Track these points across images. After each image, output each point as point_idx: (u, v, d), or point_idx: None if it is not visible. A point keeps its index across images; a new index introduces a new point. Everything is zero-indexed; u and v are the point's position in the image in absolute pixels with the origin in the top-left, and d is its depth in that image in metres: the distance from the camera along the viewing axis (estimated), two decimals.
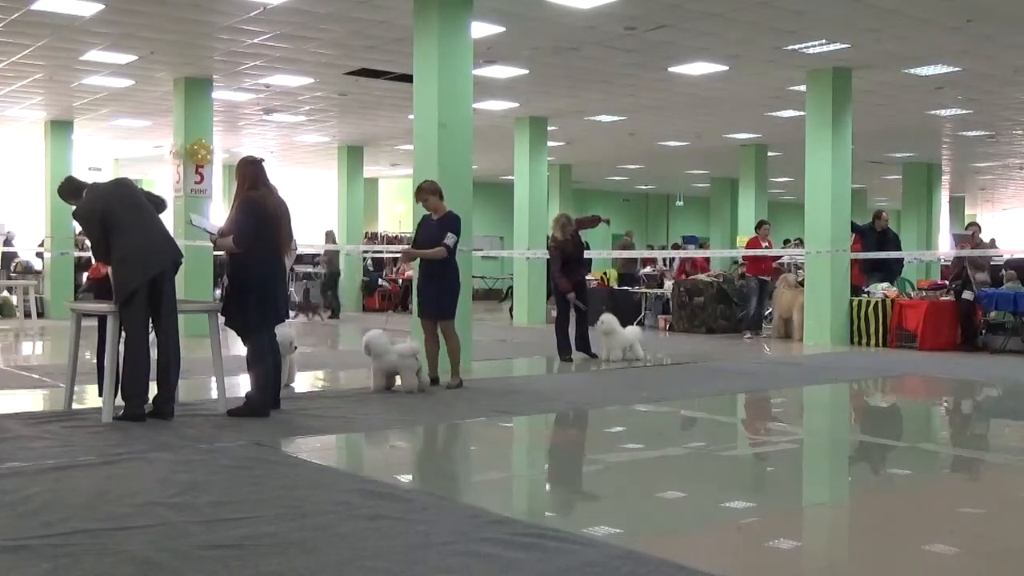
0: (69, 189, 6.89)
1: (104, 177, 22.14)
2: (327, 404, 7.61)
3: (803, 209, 14.40)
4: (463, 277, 9.97)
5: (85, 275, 16.49)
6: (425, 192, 8.61)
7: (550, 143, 19.00)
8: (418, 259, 8.67)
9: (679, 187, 32.46)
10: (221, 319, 7.15)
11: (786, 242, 21.73)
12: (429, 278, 8.57)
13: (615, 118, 18.20)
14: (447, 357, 8.63)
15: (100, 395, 7.15)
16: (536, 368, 11.28)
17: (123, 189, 6.84)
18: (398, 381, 8.28)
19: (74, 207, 6.76)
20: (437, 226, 8.50)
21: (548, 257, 11.45)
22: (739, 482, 5.60)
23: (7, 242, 21.27)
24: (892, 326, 13.37)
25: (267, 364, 7.00)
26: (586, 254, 12.17)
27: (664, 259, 20.30)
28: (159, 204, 7.02)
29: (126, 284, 6.48)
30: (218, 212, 16.36)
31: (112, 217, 6.51)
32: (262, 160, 7.15)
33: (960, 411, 9.12)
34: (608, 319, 11.17)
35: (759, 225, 16.11)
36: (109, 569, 3.55)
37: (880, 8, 10.71)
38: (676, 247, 24.88)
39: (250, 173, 7.02)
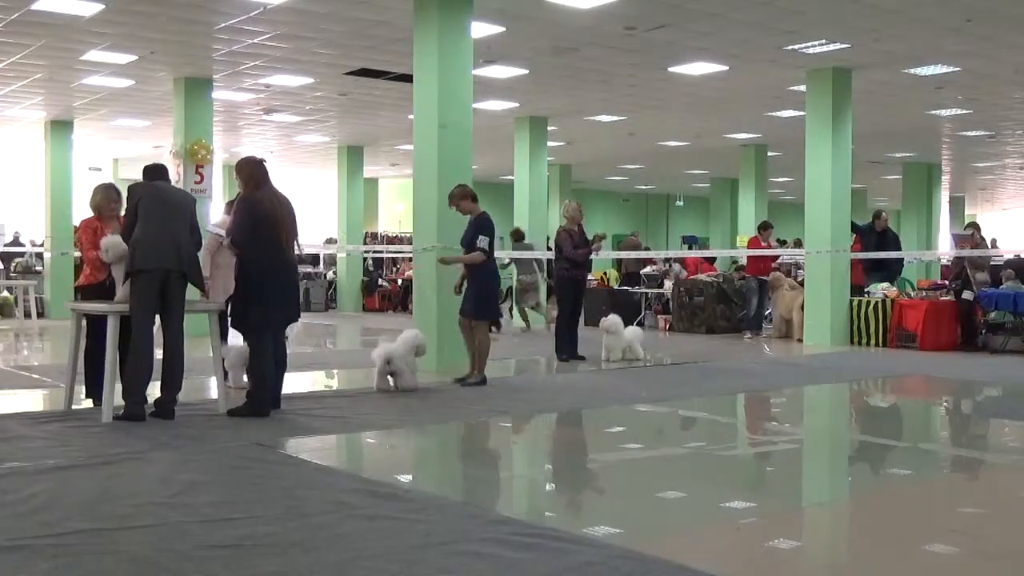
0: (152, 170, 7.03)
1: (105, 177, 22.24)
2: (327, 404, 7.61)
3: (803, 209, 14.40)
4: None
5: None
6: (455, 199, 8.80)
7: (550, 143, 18.99)
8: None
9: (679, 187, 32.46)
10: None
11: (782, 243, 21.71)
12: (469, 280, 8.76)
13: (615, 118, 18.20)
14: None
15: (86, 396, 7.18)
16: (536, 368, 11.29)
17: (170, 194, 6.99)
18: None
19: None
20: (471, 228, 8.68)
21: (555, 244, 11.45)
22: (739, 482, 5.60)
23: (16, 241, 21.29)
24: (892, 326, 13.37)
25: (267, 364, 7.01)
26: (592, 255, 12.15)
27: (664, 259, 20.32)
28: (197, 238, 7.07)
29: (129, 266, 6.62)
30: (218, 212, 16.33)
31: (144, 207, 6.70)
32: (263, 160, 7.23)
33: (960, 411, 9.12)
34: (614, 319, 11.19)
35: (763, 227, 16.11)
36: (109, 569, 3.56)
37: (880, 8, 10.71)
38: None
39: (256, 174, 7.09)
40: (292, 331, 8.09)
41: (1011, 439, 7.39)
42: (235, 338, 7.85)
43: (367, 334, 15.94)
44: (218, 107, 15.64)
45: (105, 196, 7.21)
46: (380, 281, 23.00)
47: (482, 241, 8.53)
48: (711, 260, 20.22)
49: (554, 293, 13.28)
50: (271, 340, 7.14)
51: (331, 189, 23.78)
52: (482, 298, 8.70)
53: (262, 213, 6.96)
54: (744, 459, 6.49)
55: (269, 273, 6.97)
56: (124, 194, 7.13)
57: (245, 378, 7.46)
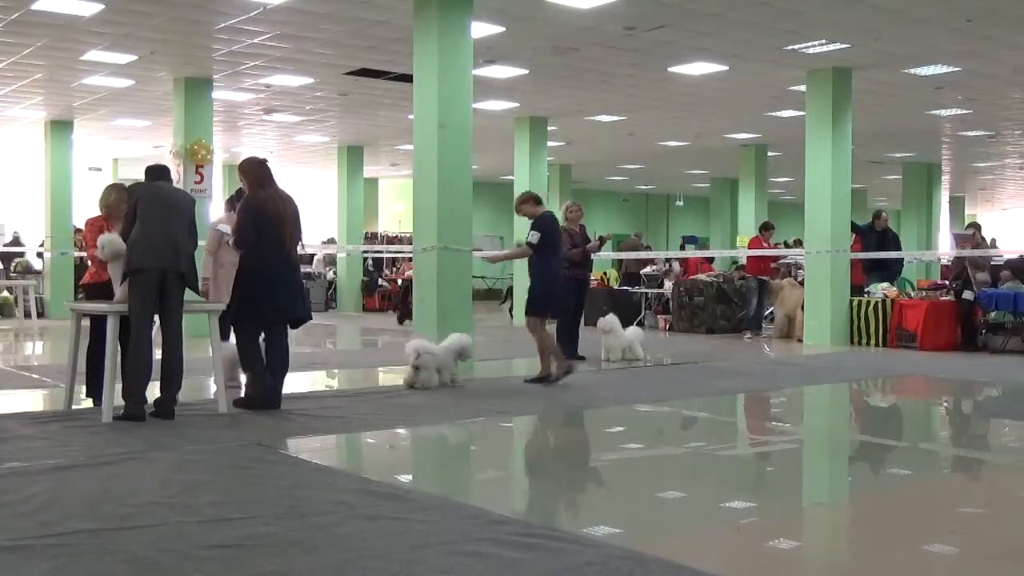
0: (154, 170, 7.06)
1: (105, 177, 22.26)
2: (327, 404, 7.61)
3: (803, 209, 14.40)
4: (462, 277, 10.02)
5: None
6: (517, 205, 9.12)
7: (550, 143, 19.00)
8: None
9: (679, 187, 32.46)
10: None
11: (785, 244, 21.72)
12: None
13: (615, 118, 18.20)
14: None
15: (86, 396, 7.18)
16: (536, 368, 11.26)
17: (170, 195, 6.98)
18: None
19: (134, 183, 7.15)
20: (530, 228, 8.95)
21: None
22: (739, 482, 5.60)
23: (16, 242, 21.30)
24: (892, 326, 13.37)
25: (258, 361, 7.13)
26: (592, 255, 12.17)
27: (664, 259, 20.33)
28: (196, 239, 7.07)
29: (127, 265, 6.64)
30: (219, 211, 16.37)
31: (143, 207, 6.72)
32: (266, 160, 7.29)
33: (960, 411, 9.12)
34: (610, 319, 11.19)
35: (765, 227, 16.13)
36: (109, 569, 3.55)
37: (880, 8, 10.71)
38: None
39: (259, 174, 7.20)
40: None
41: (1011, 439, 7.39)
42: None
43: (367, 334, 15.94)
44: (218, 107, 15.64)
45: (119, 196, 7.18)
46: (380, 281, 23.00)
47: (532, 236, 8.72)
48: (710, 260, 20.26)
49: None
50: (270, 338, 7.18)
51: (331, 189, 23.80)
52: (543, 293, 8.86)
53: (266, 214, 7.05)
54: (744, 459, 6.49)
55: (270, 272, 7.04)
56: None
57: (243, 377, 7.47)
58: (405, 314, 17.37)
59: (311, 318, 7.71)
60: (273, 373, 7.21)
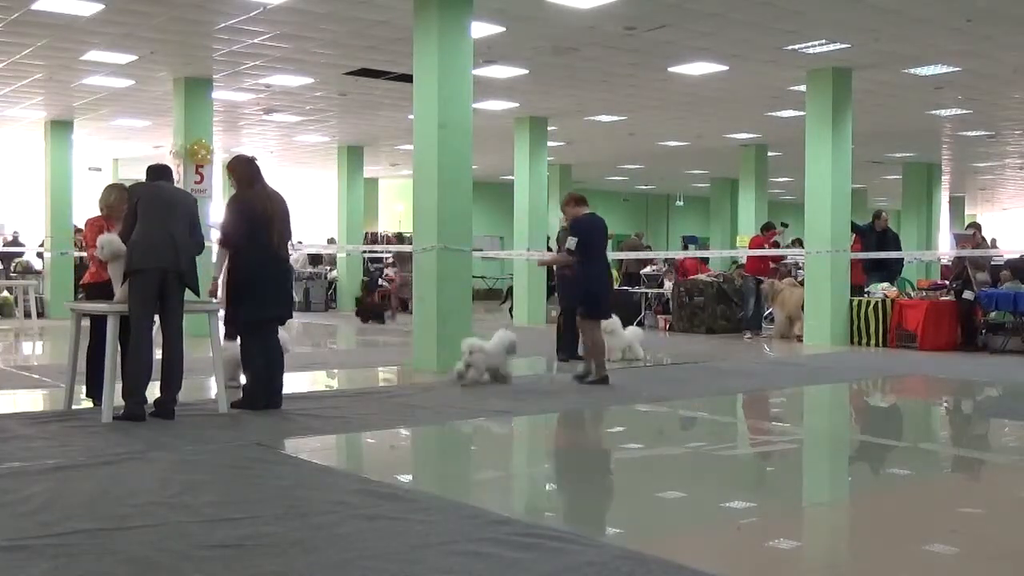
0: (155, 170, 7.05)
1: (105, 177, 22.25)
2: (327, 404, 7.61)
3: (803, 209, 14.40)
4: (462, 277, 10.03)
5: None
6: (562, 206, 9.29)
7: (550, 143, 19.00)
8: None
9: (679, 187, 32.47)
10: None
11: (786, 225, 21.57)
12: (578, 279, 9.17)
13: (615, 118, 18.20)
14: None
15: (86, 396, 7.18)
16: (536, 368, 11.28)
17: (171, 195, 6.98)
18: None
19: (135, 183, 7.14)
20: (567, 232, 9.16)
21: (557, 244, 11.62)
22: (739, 482, 5.60)
23: (15, 241, 21.30)
24: (892, 326, 13.37)
25: (257, 362, 7.11)
26: None
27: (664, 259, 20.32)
28: (198, 239, 7.05)
29: (127, 266, 6.64)
30: (219, 212, 16.38)
31: (143, 207, 6.73)
32: (255, 158, 7.31)
33: (960, 411, 9.12)
34: (613, 319, 11.19)
35: (766, 227, 16.12)
36: (109, 569, 3.56)
37: (880, 8, 10.71)
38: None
39: (247, 172, 7.21)
40: (291, 331, 8.10)
41: (1011, 439, 7.39)
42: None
43: (367, 334, 15.94)
44: (218, 107, 15.63)
45: (119, 196, 7.18)
46: (380, 281, 22.98)
47: (570, 242, 8.85)
48: (704, 260, 20.28)
49: (556, 292, 13.34)
50: (263, 338, 7.18)
51: (331, 189, 23.79)
52: (588, 296, 8.96)
53: (254, 212, 7.03)
54: (744, 459, 6.49)
55: (260, 271, 7.02)
56: None
57: (243, 378, 7.47)
58: (373, 314, 17.72)
59: (292, 316, 7.68)
60: (271, 373, 7.20)
